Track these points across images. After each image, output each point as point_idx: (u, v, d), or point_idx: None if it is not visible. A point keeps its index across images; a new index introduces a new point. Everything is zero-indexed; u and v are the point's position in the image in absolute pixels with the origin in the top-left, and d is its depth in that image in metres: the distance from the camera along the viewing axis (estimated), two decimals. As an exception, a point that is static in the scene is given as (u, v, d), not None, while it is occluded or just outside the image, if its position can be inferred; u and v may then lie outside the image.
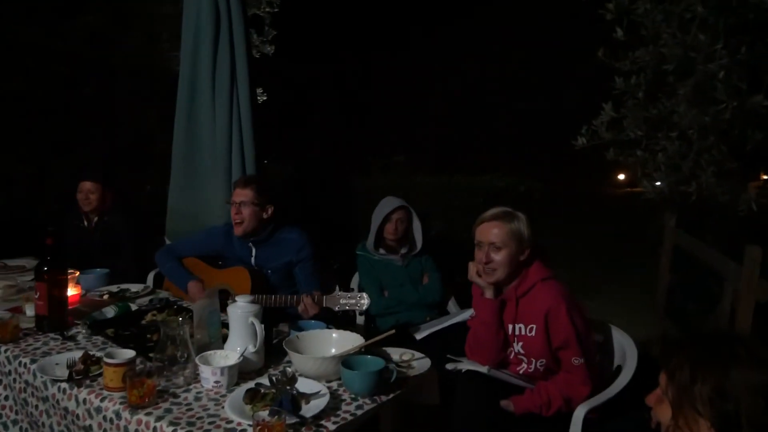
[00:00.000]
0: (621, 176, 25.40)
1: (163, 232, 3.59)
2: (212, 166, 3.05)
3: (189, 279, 2.70)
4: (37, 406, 1.87)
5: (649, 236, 5.63)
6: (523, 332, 2.09)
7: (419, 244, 3.23)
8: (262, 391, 1.63)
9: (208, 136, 3.02)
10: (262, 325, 1.85)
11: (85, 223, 3.62)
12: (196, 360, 1.74)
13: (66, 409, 1.74)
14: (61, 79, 4.54)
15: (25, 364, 1.90)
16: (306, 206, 4.95)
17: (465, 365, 2.09)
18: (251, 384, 1.69)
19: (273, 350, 1.98)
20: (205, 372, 1.72)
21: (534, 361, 2.08)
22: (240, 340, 1.85)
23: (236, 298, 1.88)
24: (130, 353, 1.75)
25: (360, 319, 3.15)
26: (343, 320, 2.55)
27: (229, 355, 1.81)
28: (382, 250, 3.22)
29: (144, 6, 5.82)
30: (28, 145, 4.38)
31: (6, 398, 2.02)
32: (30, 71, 4.32)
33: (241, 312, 1.84)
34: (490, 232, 2.09)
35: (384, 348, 2.05)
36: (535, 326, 2.05)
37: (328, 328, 2.12)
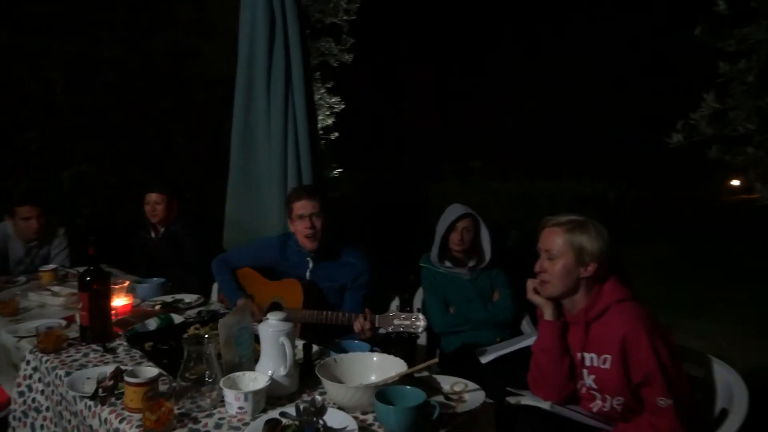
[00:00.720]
0: (735, 182, 22.89)
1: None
2: (268, 176, 2.96)
3: (239, 295, 2.62)
4: (69, 421, 1.81)
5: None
6: (594, 363, 1.78)
7: (488, 255, 2.96)
8: (284, 422, 1.45)
9: (264, 145, 2.94)
10: (294, 346, 1.68)
11: (152, 233, 3.68)
12: (220, 383, 1.59)
13: (91, 427, 1.66)
14: (141, 92, 4.68)
15: (61, 376, 1.85)
16: (376, 215, 4.79)
17: (526, 399, 1.81)
18: (279, 410, 1.52)
19: (312, 371, 1.80)
20: (228, 396, 1.57)
21: (609, 398, 1.76)
22: (271, 362, 1.69)
23: (268, 315, 1.72)
24: (152, 372, 1.64)
25: (422, 338, 2.92)
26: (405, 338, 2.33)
27: (259, 377, 1.66)
28: (447, 263, 2.97)
29: (225, 19, 5.95)
30: (111, 156, 4.54)
31: (47, 409, 1.99)
32: (112, 86, 4.48)
33: (272, 331, 1.68)
34: (548, 238, 1.83)
35: (434, 375, 1.82)
36: (609, 357, 1.73)
37: (372, 350, 1.92)
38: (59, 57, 4.22)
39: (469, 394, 1.72)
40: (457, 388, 1.75)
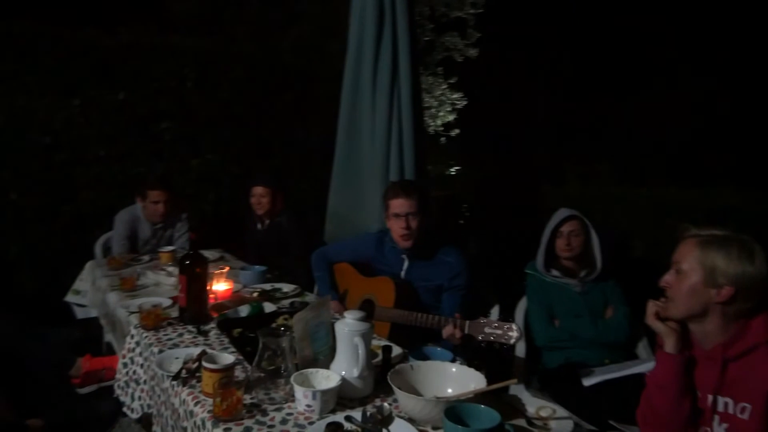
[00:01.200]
0: None
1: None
2: (370, 171, 2.93)
3: (329, 294, 2.62)
4: (159, 396, 1.90)
5: None
6: (730, 410, 1.49)
7: (599, 264, 2.70)
8: (346, 427, 1.40)
9: (367, 140, 2.92)
10: (368, 347, 1.62)
11: (258, 225, 3.82)
12: (291, 378, 1.57)
13: (173, 405, 1.72)
14: (266, 86, 4.89)
15: (155, 353, 1.95)
16: (488, 215, 4.61)
17: (631, 439, 1.60)
18: (346, 413, 1.48)
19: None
20: (297, 392, 1.55)
21: (741, 452, 1.48)
22: (344, 362, 1.64)
23: (345, 314, 1.68)
24: (229, 359, 1.66)
25: (520, 349, 2.73)
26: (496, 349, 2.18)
27: (332, 376, 1.62)
28: (555, 272, 2.75)
29: (348, 16, 6.06)
30: (235, 147, 4.79)
31: (144, 382, 2.11)
32: (239, 80, 4.72)
33: (347, 330, 1.63)
34: (680, 250, 1.56)
35: (518, 395, 1.67)
36: (749, 406, 1.44)
37: (454, 359, 1.81)
38: (193, 53, 4.51)
39: (556, 422, 1.55)
40: (543, 413, 1.59)
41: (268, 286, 2.77)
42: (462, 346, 2.25)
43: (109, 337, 2.90)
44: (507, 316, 2.11)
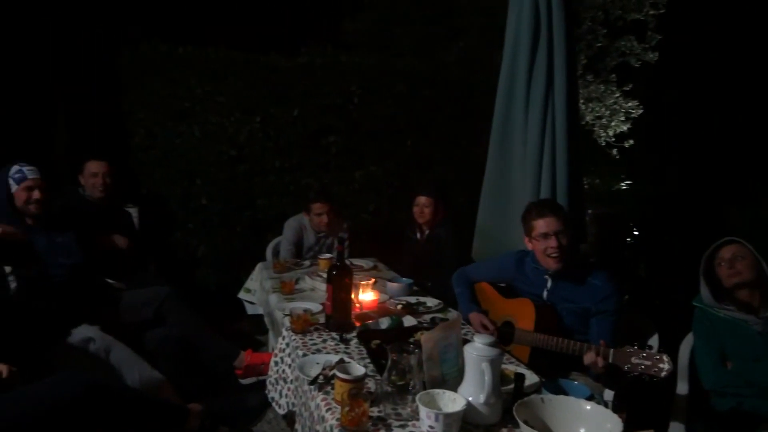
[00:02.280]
0: None
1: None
2: (521, 187, 2.84)
3: (471, 310, 2.59)
4: (301, 397, 2.03)
5: None
6: None
7: None
8: (465, 454, 1.38)
9: (519, 155, 2.83)
10: (495, 374, 1.58)
11: (418, 234, 3.90)
12: (417, 397, 1.59)
13: (310, 408, 1.83)
14: (427, 100, 5.00)
15: (299, 356, 2.09)
16: (657, 237, 4.21)
17: None
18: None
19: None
20: (421, 412, 1.55)
21: None
22: (472, 387, 1.61)
23: (474, 338, 1.65)
24: (360, 370, 1.73)
25: (682, 387, 2.45)
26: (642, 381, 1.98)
27: (458, 399, 1.60)
28: (729, 306, 2.42)
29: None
30: (395, 159, 4.96)
31: (291, 381, 2.27)
32: (401, 95, 4.88)
33: (475, 354, 1.60)
34: None
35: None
36: None
37: (592, 397, 1.69)
38: (359, 70, 4.77)
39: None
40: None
41: (413, 299, 2.82)
42: (605, 376, 2.10)
43: (270, 334, 3.17)
44: (666, 350, 1.91)
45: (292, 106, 4.61)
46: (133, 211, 4.12)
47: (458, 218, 4.14)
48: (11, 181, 2.84)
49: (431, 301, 2.82)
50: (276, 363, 2.36)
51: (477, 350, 1.61)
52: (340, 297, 2.29)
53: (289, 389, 2.27)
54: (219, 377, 3.01)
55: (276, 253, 4.28)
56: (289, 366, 2.29)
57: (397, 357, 1.66)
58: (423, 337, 1.70)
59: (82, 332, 2.44)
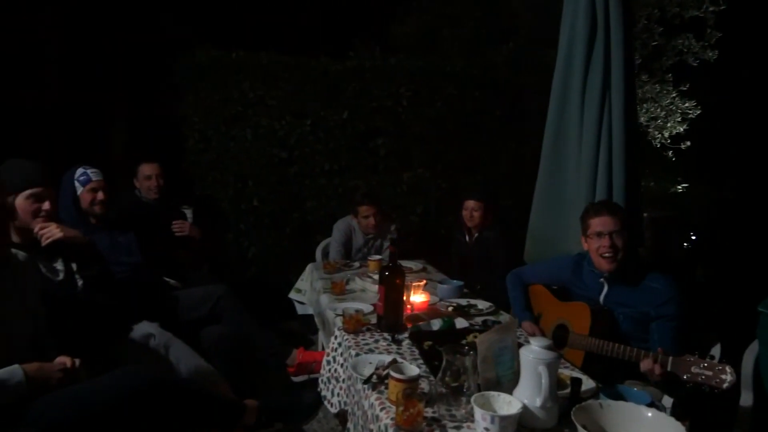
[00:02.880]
0: None
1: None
2: (575, 190, 2.79)
3: (524, 317, 2.57)
4: (353, 396, 2.05)
5: None
6: None
7: None
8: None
9: (574, 158, 2.78)
10: (552, 378, 1.56)
11: (467, 237, 3.89)
12: (472, 399, 1.58)
13: (363, 407, 1.85)
14: (477, 101, 4.97)
15: (352, 355, 2.11)
16: (716, 242, 4.05)
17: None
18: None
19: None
20: (476, 414, 1.55)
21: None
22: (527, 389, 1.60)
23: (531, 340, 1.64)
24: (414, 371, 1.73)
25: (746, 398, 2.35)
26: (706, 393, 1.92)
27: (513, 403, 1.59)
28: None
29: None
30: (443, 162, 4.95)
31: (343, 381, 2.29)
32: (450, 97, 4.87)
33: (531, 357, 1.59)
34: None
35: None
36: None
37: (652, 404, 1.64)
38: (408, 73, 4.77)
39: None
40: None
41: (463, 302, 2.81)
42: (663, 384, 2.04)
43: (321, 333, 3.21)
44: (728, 359, 1.84)
45: (342, 108, 4.66)
46: (188, 212, 4.25)
47: (506, 221, 4.10)
48: (77, 184, 2.98)
49: (482, 304, 2.80)
50: (328, 362, 2.39)
51: (533, 353, 1.59)
52: (392, 298, 2.30)
53: (341, 388, 2.30)
54: (271, 375, 3.07)
55: (325, 254, 4.33)
56: (342, 365, 2.31)
57: (452, 358, 1.66)
58: (478, 338, 1.69)
59: (143, 328, 2.53)
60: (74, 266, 2.53)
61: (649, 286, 2.34)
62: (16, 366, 1.67)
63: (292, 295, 3.89)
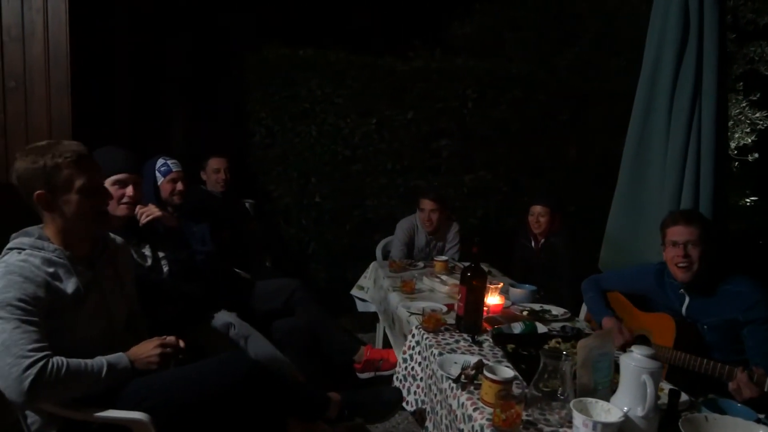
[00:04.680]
0: None
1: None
2: (658, 199, 2.71)
3: (606, 314, 2.50)
4: (436, 395, 2.05)
5: None
6: None
7: None
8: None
9: (658, 165, 2.70)
10: (656, 388, 1.52)
11: (532, 243, 3.84)
12: (570, 404, 1.56)
13: (450, 406, 1.84)
14: (542, 106, 4.91)
15: (435, 354, 2.11)
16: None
17: None
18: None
19: (676, 422, 1.60)
20: (577, 419, 1.52)
21: None
22: (627, 398, 1.56)
23: (633, 348, 1.60)
24: (509, 373, 1.72)
25: None
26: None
27: (612, 410, 1.56)
28: None
29: (631, 30, 5.73)
30: (506, 164, 4.90)
31: (421, 379, 2.30)
32: (515, 100, 4.82)
33: (634, 365, 1.56)
34: None
35: None
36: None
37: (759, 420, 1.59)
38: (474, 75, 4.75)
39: None
40: None
41: (537, 306, 2.77)
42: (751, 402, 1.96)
43: (387, 332, 3.21)
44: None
45: (407, 108, 4.67)
46: (249, 205, 4.34)
47: (569, 227, 4.04)
48: (158, 174, 3.07)
49: (556, 309, 2.76)
50: (404, 360, 2.40)
51: (636, 361, 1.56)
52: (474, 299, 2.29)
53: (418, 386, 2.30)
54: (338, 370, 3.09)
55: (385, 253, 4.35)
56: (419, 364, 2.32)
57: (551, 362, 1.64)
58: (579, 343, 1.66)
59: (222, 318, 2.58)
60: (160, 253, 2.61)
61: (733, 291, 2.27)
62: (120, 353, 1.73)
63: (354, 291, 3.91)
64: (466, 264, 3.63)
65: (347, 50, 4.77)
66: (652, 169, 2.78)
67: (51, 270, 1.67)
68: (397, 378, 2.43)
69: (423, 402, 2.24)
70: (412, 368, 2.35)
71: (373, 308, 3.79)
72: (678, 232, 2.29)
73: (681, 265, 2.30)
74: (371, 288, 3.77)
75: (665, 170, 2.69)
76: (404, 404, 2.32)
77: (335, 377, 3.06)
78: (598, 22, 6.08)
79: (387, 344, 3.36)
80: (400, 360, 2.43)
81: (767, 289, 2.24)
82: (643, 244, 2.77)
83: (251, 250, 3.95)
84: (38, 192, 1.67)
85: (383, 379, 3.08)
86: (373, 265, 3.84)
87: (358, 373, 3.12)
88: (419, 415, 2.25)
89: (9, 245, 1.74)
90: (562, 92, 4.98)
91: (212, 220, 3.29)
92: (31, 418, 1.73)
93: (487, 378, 1.68)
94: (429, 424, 2.13)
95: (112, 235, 2.06)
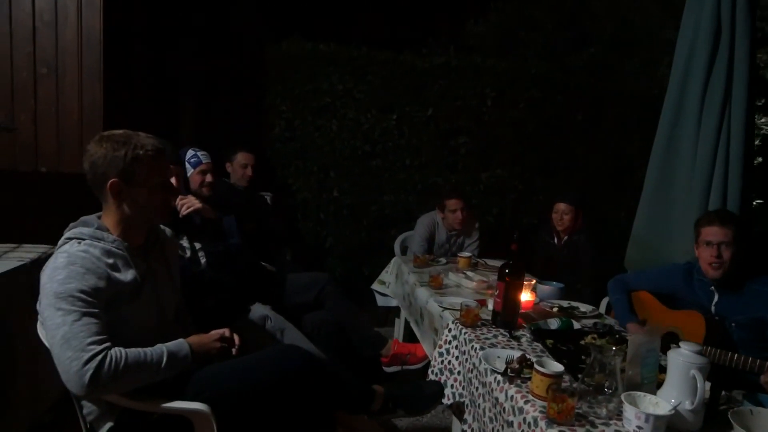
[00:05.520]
0: None
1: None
2: (686, 199, 2.78)
3: (630, 319, 2.57)
4: (477, 388, 2.10)
5: None
6: None
7: None
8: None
9: (687, 166, 2.76)
10: (706, 383, 1.58)
11: (555, 240, 3.90)
12: (622, 397, 1.62)
13: (496, 399, 1.89)
14: (559, 106, 4.96)
15: (476, 349, 2.16)
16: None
17: None
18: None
19: (717, 416, 1.67)
20: (629, 412, 1.58)
21: None
22: (675, 391, 1.62)
23: (681, 344, 1.66)
24: (559, 367, 1.77)
25: None
26: None
27: (660, 403, 1.62)
28: None
29: (646, 32, 5.79)
30: (522, 163, 4.95)
31: (458, 373, 2.35)
32: (534, 100, 4.87)
33: (682, 361, 1.62)
34: None
35: None
36: None
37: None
38: (494, 74, 4.79)
39: None
40: None
41: (565, 303, 2.83)
42: None
43: (413, 326, 3.26)
44: None
45: (427, 105, 4.72)
46: (268, 199, 4.37)
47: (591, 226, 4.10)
48: (188, 165, 3.09)
49: (584, 307, 2.81)
50: (441, 354, 2.44)
51: (684, 356, 1.62)
52: (511, 295, 2.34)
53: (455, 380, 2.35)
54: (363, 363, 3.14)
55: (403, 248, 4.40)
56: (457, 358, 2.37)
57: (603, 357, 1.69)
58: (630, 339, 1.72)
59: (259, 310, 2.63)
60: (197, 244, 2.65)
61: (761, 290, 2.35)
62: (182, 340, 1.75)
63: (375, 286, 3.96)
64: (488, 260, 3.72)
65: (367, 46, 4.80)
66: (680, 170, 2.83)
67: (110, 261, 1.69)
68: (432, 372, 2.47)
69: (461, 395, 2.28)
70: (449, 362, 2.40)
71: (393, 303, 3.85)
72: (713, 233, 2.36)
73: (712, 264, 2.37)
74: (393, 283, 3.82)
75: (694, 172, 2.75)
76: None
77: (359, 370, 3.11)
78: (612, 24, 6.14)
79: (407, 338, 3.43)
80: (435, 354, 2.48)
81: None
82: (671, 245, 2.83)
83: (274, 244, 3.99)
84: (113, 180, 1.69)
85: (409, 372, 3.13)
86: (395, 260, 3.89)
87: (384, 367, 3.16)
88: (456, 408, 2.30)
89: (67, 234, 1.74)
90: (578, 93, 5.04)
91: (237, 213, 3.33)
92: (87, 408, 1.74)
93: (538, 372, 1.73)
94: (468, 416, 2.18)
95: (161, 226, 2.09)
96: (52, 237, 1.83)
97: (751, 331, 2.36)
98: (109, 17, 3.10)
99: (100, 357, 1.51)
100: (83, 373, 1.48)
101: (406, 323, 3.54)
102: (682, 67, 2.81)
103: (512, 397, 1.79)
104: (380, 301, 4.00)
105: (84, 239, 1.70)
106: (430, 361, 3.03)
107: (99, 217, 1.81)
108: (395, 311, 3.94)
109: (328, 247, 4.90)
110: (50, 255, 1.71)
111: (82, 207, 1.85)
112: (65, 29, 3.07)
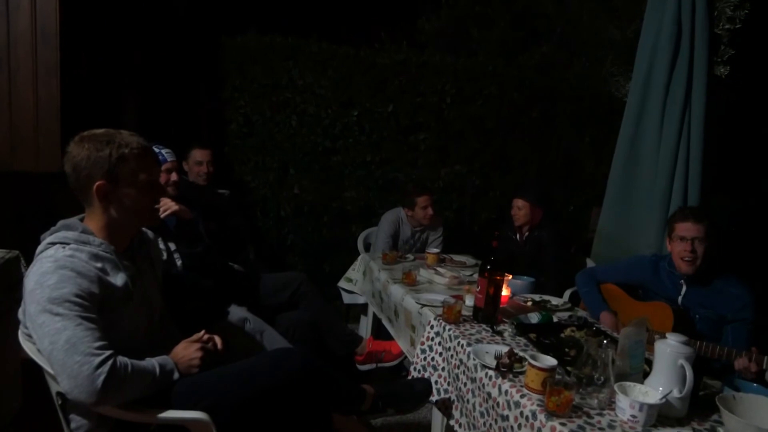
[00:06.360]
0: None
1: (584, 253, 3.64)
2: (650, 195, 2.91)
3: (602, 309, 2.67)
4: (465, 384, 2.13)
5: None
6: None
7: None
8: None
9: (650, 164, 2.90)
10: (691, 370, 1.67)
11: (517, 235, 3.99)
12: (615, 387, 1.69)
13: (489, 394, 1.93)
14: (515, 103, 5.07)
15: (462, 345, 2.19)
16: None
17: None
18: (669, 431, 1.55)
19: (698, 402, 1.77)
20: (622, 402, 1.65)
21: None
22: (662, 380, 1.71)
23: (667, 335, 1.75)
24: (553, 361, 1.82)
25: None
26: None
27: (649, 392, 1.70)
28: None
29: (591, 33, 6.01)
30: (480, 159, 5.04)
31: (443, 369, 2.37)
32: (491, 97, 4.96)
33: (670, 351, 1.71)
34: None
35: None
36: None
37: (774, 397, 1.77)
38: (453, 71, 4.85)
39: None
40: None
41: (537, 297, 2.91)
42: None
43: (386, 324, 3.26)
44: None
45: (388, 101, 4.71)
46: (225, 195, 4.27)
47: (553, 221, 4.21)
48: None
49: (555, 300, 2.90)
50: (423, 351, 2.46)
51: (671, 347, 1.71)
52: (492, 292, 2.38)
53: (440, 376, 2.38)
54: (339, 362, 3.13)
55: (366, 245, 4.40)
56: (440, 354, 2.39)
57: (594, 350, 1.75)
58: (621, 331, 1.79)
59: (237, 312, 2.56)
60: (171, 246, 2.56)
61: (727, 290, 2.49)
62: (165, 356, 1.69)
63: (342, 284, 3.94)
64: (457, 257, 3.78)
65: (315, 39, 4.74)
66: (643, 168, 2.97)
67: (99, 265, 1.61)
68: (414, 368, 2.48)
69: (446, 391, 2.31)
70: (432, 359, 2.42)
71: (360, 300, 3.84)
72: (687, 228, 2.48)
73: (687, 259, 2.49)
74: (361, 281, 3.81)
75: (657, 171, 2.88)
76: (428, 394, 2.39)
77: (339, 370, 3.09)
78: (562, 24, 6.32)
79: (377, 335, 3.44)
80: (417, 351, 2.49)
81: (754, 292, 2.47)
82: (636, 239, 2.96)
83: (236, 243, 3.90)
84: (99, 182, 1.61)
85: (384, 370, 3.14)
86: (362, 257, 3.88)
87: (358, 365, 3.16)
88: (443, 405, 2.32)
89: (49, 239, 1.65)
90: (532, 90, 5.16)
91: (199, 212, 3.23)
92: (76, 422, 1.66)
93: (533, 366, 1.78)
94: (455, 412, 2.21)
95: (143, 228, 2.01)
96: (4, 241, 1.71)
97: (712, 324, 2.50)
98: (67, 5, 2.92)
99: (110, 361, 1.46)
100: (96, 377, 1.42)
101: (375, 320, 3.54)
102: (645, 67, 2.94)
103: (506, 391, 1.83)
104: (347, 299, 3.98)
105: (68, 243, 1.62)
106: (405, 358, 3.06)
107: (82, 220, 1.72)
108: (361, 309, 3.95)
109: (289, 244, 4.84)
110: (7, 260, 1.61)
111: (41, 208, 1.74)
112: (18, 19, 2.88)
